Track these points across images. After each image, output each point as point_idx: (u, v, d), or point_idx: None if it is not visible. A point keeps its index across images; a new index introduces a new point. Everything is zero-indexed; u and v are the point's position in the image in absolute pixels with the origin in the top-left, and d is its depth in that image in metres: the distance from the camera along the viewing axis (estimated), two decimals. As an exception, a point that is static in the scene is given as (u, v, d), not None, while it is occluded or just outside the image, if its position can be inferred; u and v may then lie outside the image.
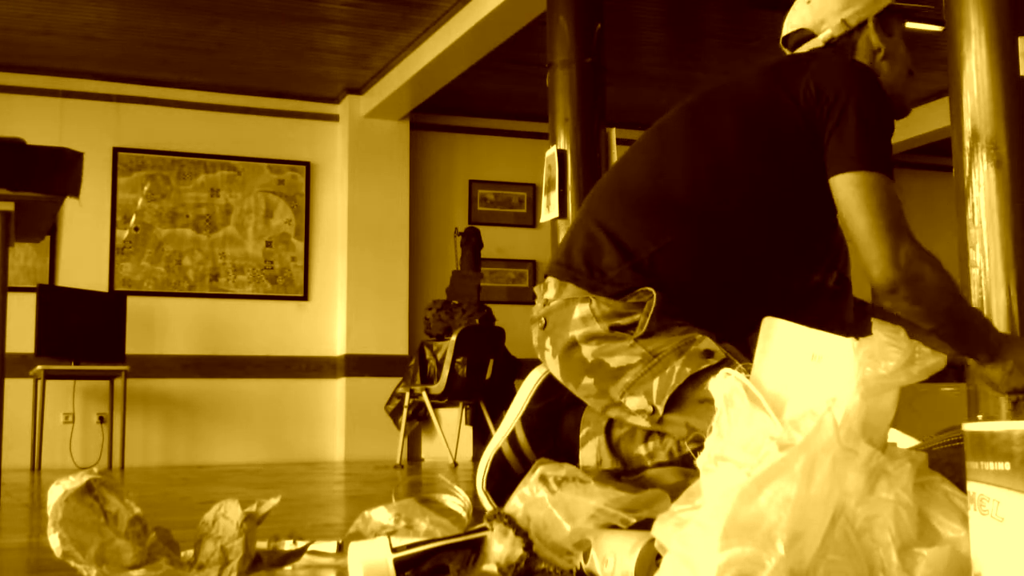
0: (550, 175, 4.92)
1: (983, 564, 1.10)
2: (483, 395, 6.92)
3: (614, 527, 1.53)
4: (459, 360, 6.75)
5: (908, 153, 8.62)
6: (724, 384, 1.27)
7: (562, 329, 1.94)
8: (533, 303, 2.08)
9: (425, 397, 6.87)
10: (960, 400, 3.02)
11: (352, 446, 7.73)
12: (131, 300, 7.27)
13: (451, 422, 7.08)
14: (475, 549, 1.55)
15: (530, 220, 8.59)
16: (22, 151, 3.12)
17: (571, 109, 4.92)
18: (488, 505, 2.03)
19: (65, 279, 7.34)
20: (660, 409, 1.83)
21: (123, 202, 7.60)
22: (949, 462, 1.48)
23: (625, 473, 1.95)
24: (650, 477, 1.91)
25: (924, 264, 1.81)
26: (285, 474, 5.89)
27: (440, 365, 6.90)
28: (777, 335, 1.33)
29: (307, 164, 8.07)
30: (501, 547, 1.53)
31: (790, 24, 2.13)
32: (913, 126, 7.95)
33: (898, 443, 1.30)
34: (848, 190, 1.82)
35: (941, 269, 1.84)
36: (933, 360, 1.22)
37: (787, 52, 2.16)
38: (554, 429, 2.08)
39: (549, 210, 4.93)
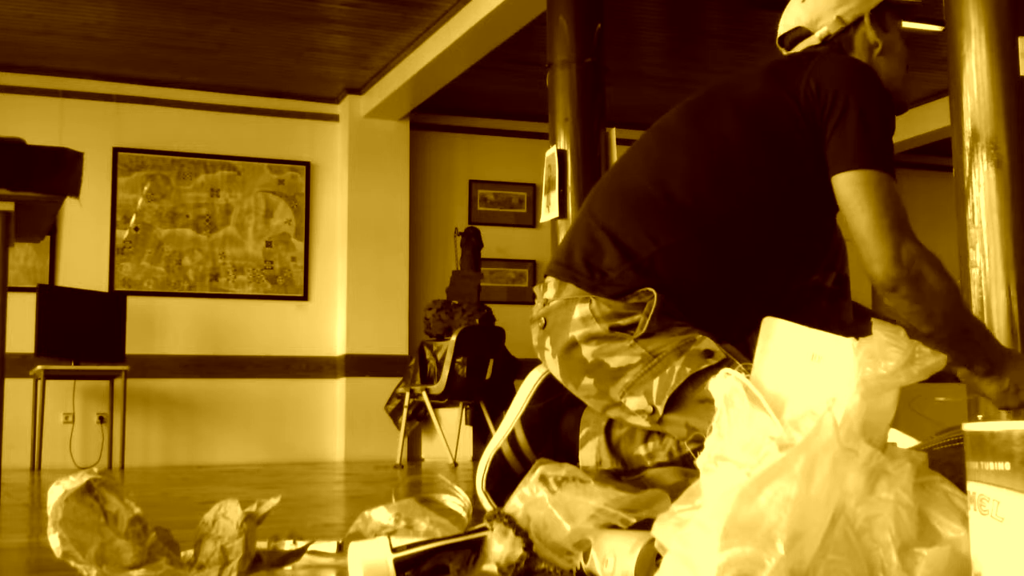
0: (550, 175, 4.92)
1: (983, 564, 1.10)
2: (483, 395, 6.92)
3: (614, 527, 1.53)
4: (459, 360, 6.75)
5: (908, 153, 8.62)
6: (724, 384, 1.27)
7: (562, 329, 1.94)
8: (533, 303, 2.07)
9: (425, 397, 6.87)
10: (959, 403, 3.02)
11: (352, 446, 7.73)
12: (131, 300, 7.27)
13: (451, 422, 7.08)
14: (475, 549, 1.55)
15: (530, 220, 8.59)
16: (22, 151, 3.12)
17: (571, 109, 4.92)
18: (488, 505, 2.03)
19: (65, 279, 7.34)
20: (660, 409, 1.83)
21: (123, 202, 7.60)
22: (949, 462, 1.48)
23: (625, 473, 1.95)
24: (650, 477, 1.91)
25: (926, 264, 1.80)
26: (285, 474, 5.89)
27: (440, 365, 6.90)
28: (777, 335, 1.33)
29: (307, 164, 8.07)
30: (501, 547, 1.53)
31: (785, 24, 2.14)
32: (913, 126, 7.94)
33: (898, 443, 1.30)
34: (850, 189, 1.82)
35: (943, 270, 1.83)
36: (933, 360, 1.22)
37: (783, 52, 2.16)
38: (554, 429, 2.08)
39: (549, 210, 4.93)
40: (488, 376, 6.85)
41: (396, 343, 7.94)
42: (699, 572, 1.12)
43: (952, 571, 1.16)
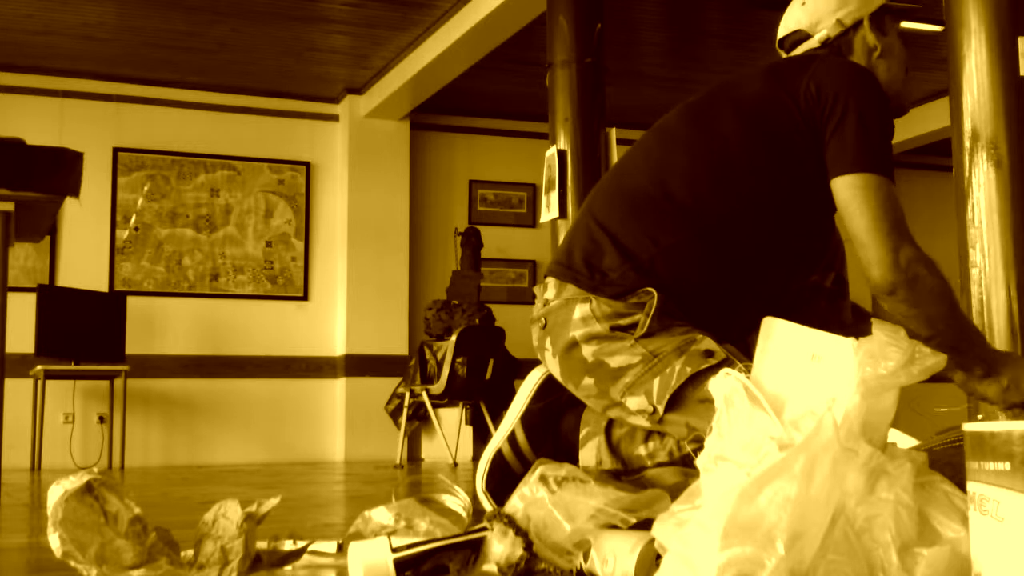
0: (550, 175, 4.92)
1: (983, 564, 1.10)
2: (483, 395, 6.92)
3: (614, 527, 1.53)
4: (459, 360, 6.75)
5: (908, 153, 8.62)
6: (724, 384, 1.27)
7: (562, 329, 1.94)
8: (533, 303, 2.08)
9: (425, 397, 6.87)
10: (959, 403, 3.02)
11: (352, 446, 7.73)
12: (131, 300, 7.27)
13: (451, 422, 7.08)
14: (475, 549, 1.55)
15: (530, 220, 8.59)
16: (22, 151, 3.12)
17: (571, 109, 4.92)
18: (488, 505, 2.03)
19: (65, 279, 7.34)
20: (660, 409, 1.83)
21: (123, 202, 7.60)
22: (949, 462, 1.48)
23: (625, 473, 1.95)
24: (650, 477, 1.91)
25: (923, 267, 1.81)
26: (285, 474, 5.89)
27: (440, 365, 6.90)
28: (777, 335, 1.33)
29: (307, 164, 8.07)
30: (501, 547, 1.53)
31: (785, 26, 2.14)
32: (913, 126, 7.95)
33: (898, 443, 1.30)
34: (849, 192, 1.83)
35: (940, 274, 1.83)
36: (933, 360, 1.22)
37: (783, 54, 2.16)
38: (554, 429, 2.08)
39: (549, 210, 4.93)
40: (488, 376, 6.85)
41: (396, 343, 7.94)
42: (699, 572, 1.12)
43: (952, 571, 1.16)
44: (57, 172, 3.15)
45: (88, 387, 7.25)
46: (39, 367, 6.63)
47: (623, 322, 1.88)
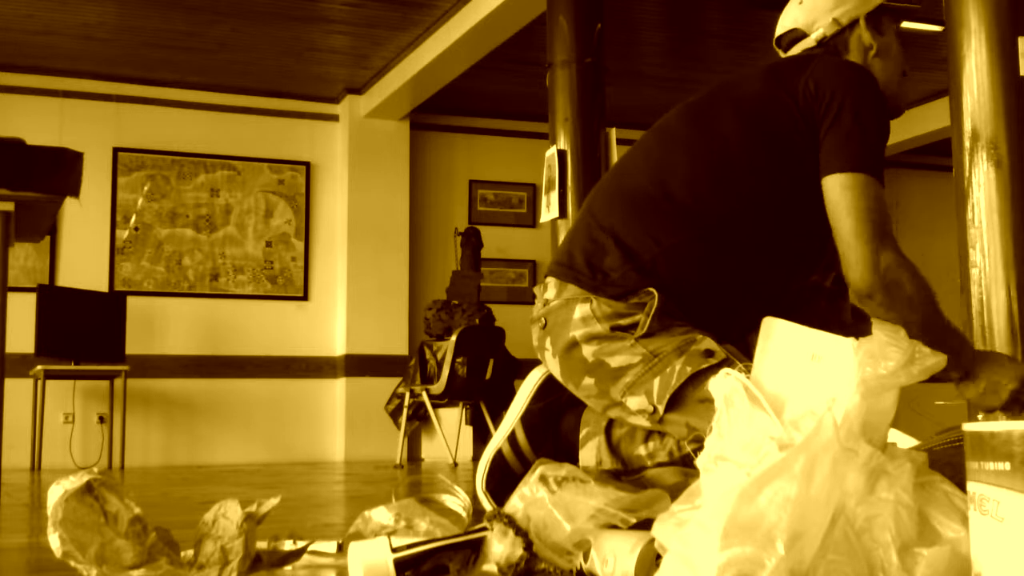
0: (550, 175, 4.92)
1: (983, 564, 1.10)
2: (483, 395, 6.92)
3: (614, 527, 1.53)
4: (459, 360, 6.75)
5: (908, 153, 8.61)
6: (724, 384, 1.27)
7: (562, 329, 1.95)
8: (533, 303, 2.08)
9: (425, 397, 6.87)
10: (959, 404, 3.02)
11: (352, 446, 7.73)
12: (131, 300, 7.27)
13: (451, 422, 7.08)
14: (475, 549, 1.55)
15: (530, 220, 8.59)
16: (22, 151, 3.12)
17: (571, 109, 4.92)
18: (488, 505, 2.03)
19: (65, 279, 7.34)
20: (661, 409, 1.83)
21: (123, 202, 7.60)
22: (949, 462, 1.48)
23: (625, 473, 1.95)
24: (650, 477, 1.91)
25: (903, 272, 1.81)
26: (285, 474, 5.89)
27: (440, 365, 6.90)
28: (777, 335, 1.33)
29: (307, 164, 8.07)
30: (501, 547, 1.53)
31: (782, 25, 2.15)
32: (913, 126, 7.94)
33: (898, 443, 1.30)
34: (836, 192, 1.83)
35: (920, 279, 1.83)
36: (933, 360, 1.22)
37: (781, 53, 2.16)
38: (554, 429, 2.08)
39: (549, 210, 4.93)
40: (488, 376, 6.85)
41: (396, 343, 7.94)
42: (699, 572, 1.12)
43: (952, 571, 1.16)
44: (57, 172, 3.15)
45: (88, 387, 7.25)
46: (39, 367, 6.63)
47: (623, 322, 1.88)
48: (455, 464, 6.66)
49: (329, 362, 7.93)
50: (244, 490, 4.48)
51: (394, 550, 1.51)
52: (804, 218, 1.96)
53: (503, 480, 2.03)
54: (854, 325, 2.14)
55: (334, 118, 8.16)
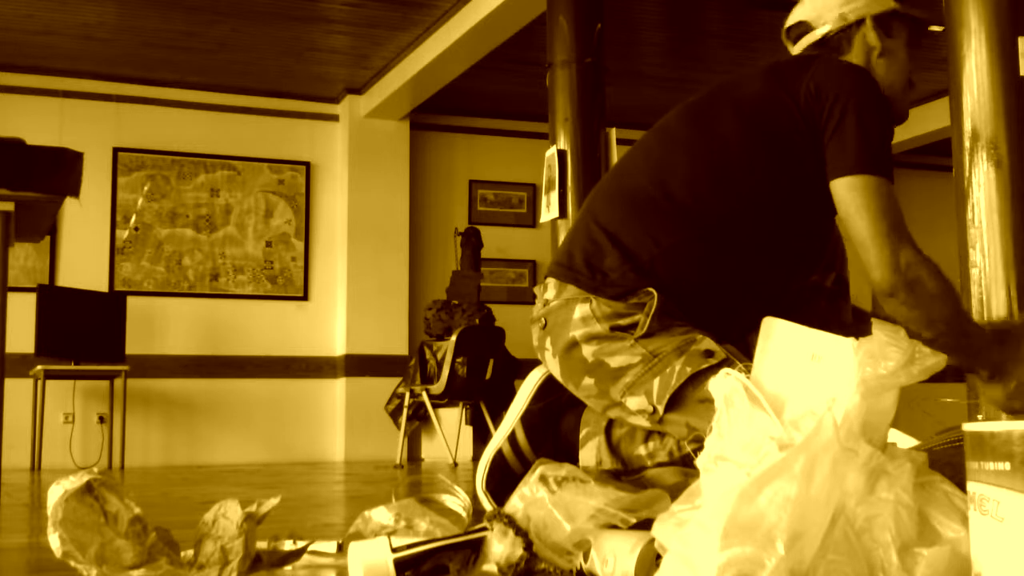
0: (550, 175, 4.92)
1: (983, 564, 1.10)
2: (483, 395, 6.92)
3: (614, 527, 1.53)
4: (459, 360, 6.75)
5: (908, 153, 8.62)
6: (724, 384, 1.27)
7: (562, 329, 1.95)
8: (533, 303, 2.08)
9: (425, 397, 6.87)
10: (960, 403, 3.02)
11: (352, 446, 7.73)
12: (131, 300, 7.27)
13: (451, 422, 7.08)
14: (475, 549, 1.55)
15: (530, 220, 8.58)
16: (22, 151, 3.12)
17: (571, 109, 4.92)
18: (488, 505, 2.03)
19: (65, 279, 7.34)
20: (660, 409, 1.83)
21: (123, 202, 7.60)
22: (949, 462, 1.48)
23: (625, 473, 1.95)
24: (650, 477, 1.91)
25: (924, 269, 1.80)
26: (285, 474, 5.89)
27: (440, 365, 6.90)
28: (777, 335, 1.33)
29: (307, 164, 8.07)
30: (501, 547, 1.53)
31: (792, 17, 2.14)
32: (913, 126, 7.95)
33: (898, 443, 1.30)
34: (849, 194, 1.82)
35: (941, 276, 1.82)
36: (933, 360, 1.22)
37: (789, 44, 2.15)
38: (553, 429, 2.08)
39: (549, 210, 4.93)
40: (488, 376, 6.85)
41: (396, 343, 7.94)
42: (699, 572, 1.12)
43: (952, 571, 1.16)
44: (57, 172, 3.15)
45: (88, 387, 7.25)
46: (39, 367, 6.63)
47: (623, 322, 1.89)
48: (455, 464, 6.66)
49: (329, 362, 7.93)
50: (244, 490, 4.48)
51: (394, 550, 1.51)
52: (804, 218, 1.96)
53: (503, 480, 2.03)
54: (854, 325, 2.14)
55: (334, 118, 8.16)
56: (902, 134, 8.91)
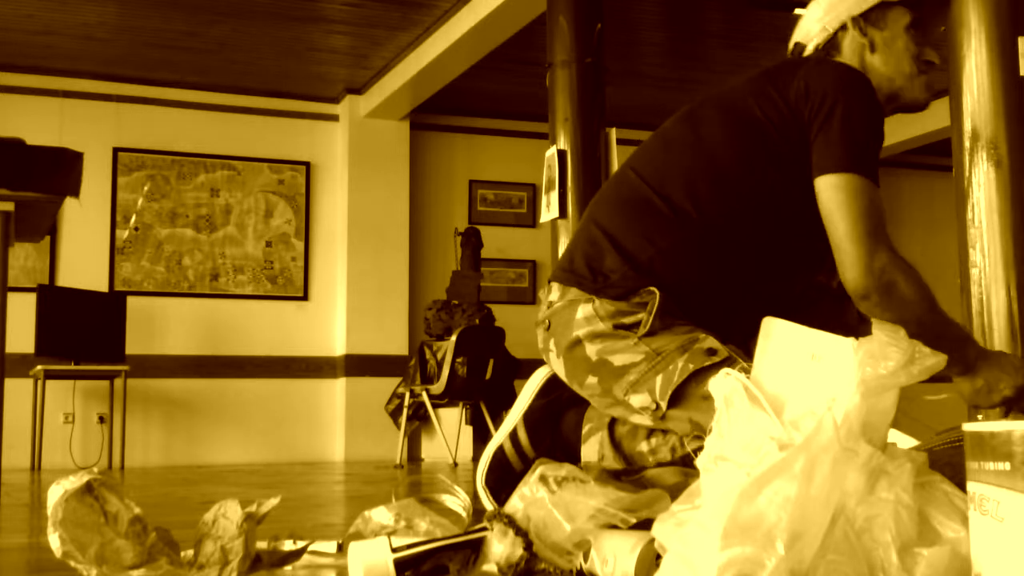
0: (550, 175, 4.92)
1: (983, 564, 1.10)
2: (483, 395, 6.92)
3: (614, 527, 1.53)
4: (459, 360, 6.75)
5: (908, 153, 8.61)
6: (724, 384, 1.27)
7: (566, 329, 1.96)
8: (533, 303, 2.09)
9: (425, 397, 6.87)
10: (959, 402, 3.02)
11: (352, 446, 7.73)
12: (131, 300, 7.27)
13: (451, 422, 7.08)
14: (475, 549, 1.55)
15: (530, 220, 8.58)
16: (22, 151, 3.12)
17: (571, 109, 4.92)
18: (486, 501, 2.04)
19: (65, 279, 7.34)
20: (663, 405, 1.84)
21: (123, 202, 7.60)
22: (949, 462, 1.48)
23: (625, 473, 1.95)
24: (650, 477, 1.92)
25: (898, 273, 1.81)
26: (285, 474, 5.89)
27: (440, 365, 6.90)
28: (777, 335, 1.33)
29: (307, 164, 8.07)
30: (501, 547, 1.53)
31: (792, 40, 2.18)
32: (913, 126, 7.94)
33: (898, 443, 1.30)
34: (829, 193, 1.84)
35: (916, 279, 1.84)
36: (933, 360, 1.22)
37: None
38: (554, 427, 2.09)
39: (549, 210, 4.93)
40: (488, 376, 6.85)
41: (396, 343, 7.94)
42: (699, 572, 1.12)
43: (952, 571, 1.16)
44: (57, 172, 3.15)
45: (88, 387, 7.25)
46: (39, 367, 6.63)
47: (626, 320, 1.89)
48: (455, 464, 6.66)
49: (329, 362, 7.93)
50: (244, 490, 4.48)
51: (394, 550, 1.51)
52: (803, 219, 1.96)
53: (502, 476, 2.04)
54: (858, 327, 2.14)
55: (334, 118, 8.16)
56: (902, 134, 8.89)
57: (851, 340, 1.21)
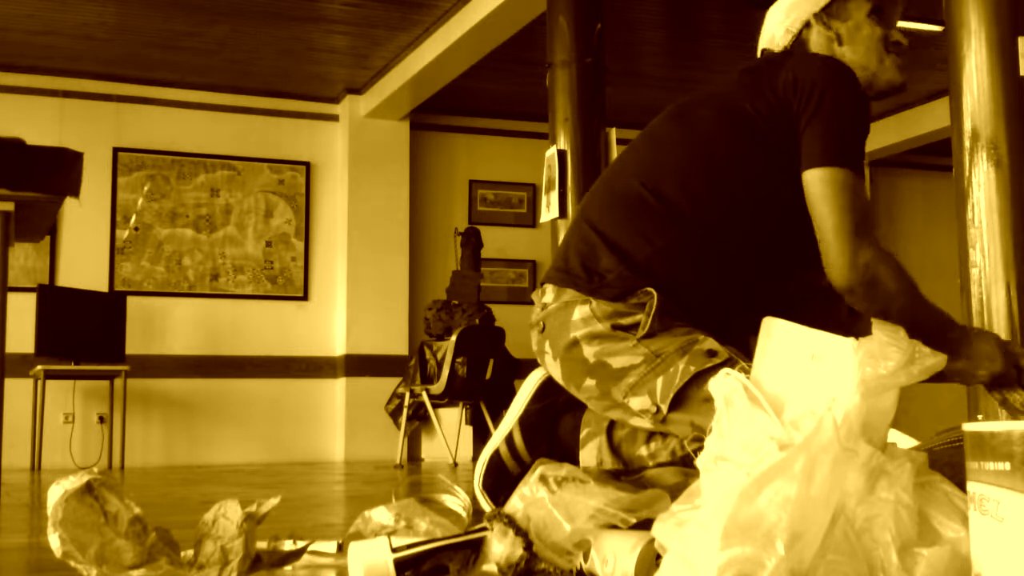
0: (550, 175, 4.92)
1: (983, 564, 1.10)
2: (483, 395, 6.92)
3: (614, 527, 1.53)
4: (459, 360, 6.75)
5: (908, 153, 8.60)
6: (724, 384, 1.27)
7: (562, 330, 1.95)
8: (533, 303, 2.08)
9: (425, 397, 6.87)
10: (959, 401, 3.02)
11: (352, 446, 7.73)
12: (131, 300, 7.27)
13: (451, 422, 7.08)
14: (475, 549, 1.55)
15: (530, 220, 8.59)
16: (22, 151, 3.12)
17: (571, 109, 4.92)
18: (484, 504, 2.03)
19: (65, 279, 7.34)
20: (664, 408, 1.83)
21: (123, 202, 7.60)
22: (949, 462, 1.48)
23: (625, 473, 1.95)
24: (650, 477, 1.91)
25: (882, 266, 1.83)
26: (285, 474, 5.89)
27: (440, 365, 6.90)
28: (777, 335, 1.33)
29: (307, 164, 8.07)
30: (501, 547, 1.53)
31: (759, 47, 2.20)
32: (913, 126, 7.94)
33: (898, 443, 1.30)
34: (815, 186, 1.85)
35: (900, 272, 1.85)
36: (933, 360, 1.22)
37: None
38: (550, 431, 2.08)
39: (549, 210, 4.93)
40: (488, 376, 6.85)
41: (396, 343, 7.94)
42: (699, 572, 1.12)
43: (952, 571, 1.16)
44: (57, 172, 3.15)
45: (88, 387, 7.25)
46: (39, 367, 6.63)
47: (624, 321, 1.89)
48: (455, 464, 6.66)
49: (329, 362, 7.93)
50: (244, 490, 4.48)
51: (394, 550, 1.51)
52: (797, 213, 1.96)
53: (499, 480, 2.03)
54: (851, 324, 2.14)
55: (334, 118, 8.16)
56: (902, 134, 8.86)
57: (851, 340, 1.21)
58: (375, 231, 7.97)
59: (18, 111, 7.28)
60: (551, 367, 2.01)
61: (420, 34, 6.80)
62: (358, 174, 7.97)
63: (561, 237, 4.84)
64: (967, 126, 3.03)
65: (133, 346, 7.14)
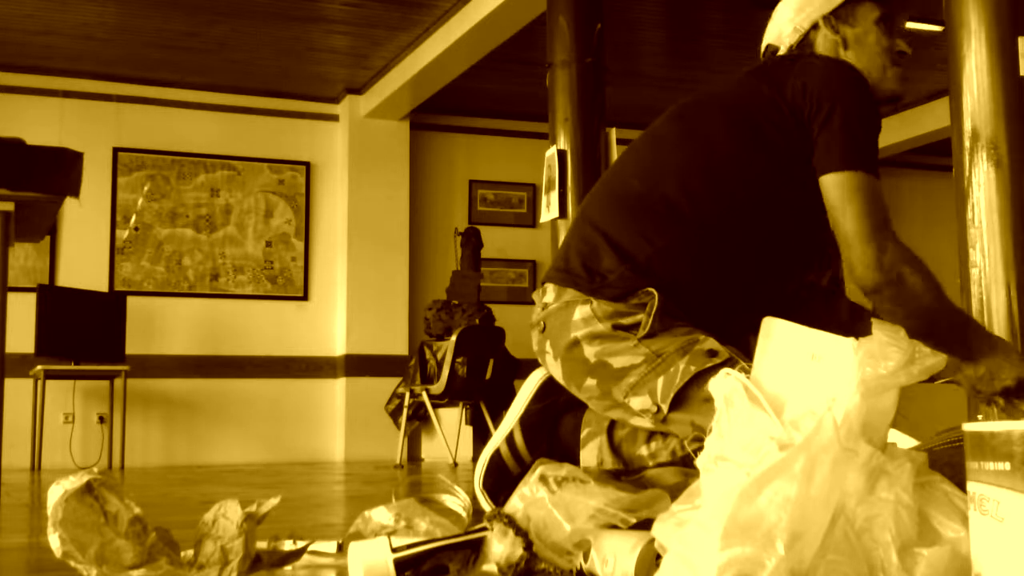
0: (550, 175, 4.92)
1: (983, 564, 1.10)
2: (483, 395, 6.92)
3: (614, 527, 1.53)
4: (459, 360, 6.75)
5: (908, 153, 8.60)
6: (724, 384, 1.27)
7: (563, 330, 1.95)
8: (533, 303, 2.08)
9: (425, 397, 6.87)
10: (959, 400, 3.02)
11: (352, 446, 7.73)
12: (131, 300, 7.27)
13: (451, 422, 7.08)
14: (475, 549, 1.55)
15: (530, 220, 8.59)
16: (22, 151, 3.12)
17: (571, 109, 4.92)
18: (485, 504, 2.03)
19: (65, 279, 7.34)
20: (665, 408, 1.83)
21: (123, 202, 7.60)
22: (949, 462, 1.48)
23: (625, 473, 1.95)
24: (650, 477, 1.91)
25: (907, 266, 1.83)
26: (285, 474, 5.89)
27: (440, 365, 6.90)
28: (777, 335, 1.33)
29: (307, 164, 8.07)
30: (501, 547, 1.53)
31: (763, 42, 2.18)
32: (913, 126, 7.94)
33: (898, 443, 1.30)
34: (836, 191, 1.85)
35: (924, 271, 1.85)
36: (933, 360, 1.22)
37: None
38: (551, 431, 2.08)
39: (549, 210, 4.93)
40: (488, 376, 6.85)
41: (396, 343, 7.94)
42: (699, 572, 1.12)
43: (952, 571, 1.16)
44: (57, 172, 3.15)
45: (88, 387, 7.25)
46: (39, 367, 6.63)
47: (625, 321, 1.89)
48: (455, 464, 6.66)
49: (329, 362, 7.93)
50: (244, 490, 4.48)
51: (394, 550, 1.51)
52: (798, 214, 1.97)
53: (499, 480, 2.03)
54: (851, 324, 2.14)
55: (334, 118, 8.16)
56: (902, 134, 8.86)
57: (851, 340, 1.21)
58: (375, 231, 7.97)
59: (18, 111, 7.28)
60: (552, 367, 2.01)
61: (420, 34, 6.80)
62: (358, 174, 7.97)
63: (561, 237, 4.85)
64: (967, 126, 3.03)
65: (133, 346, 7.14)
